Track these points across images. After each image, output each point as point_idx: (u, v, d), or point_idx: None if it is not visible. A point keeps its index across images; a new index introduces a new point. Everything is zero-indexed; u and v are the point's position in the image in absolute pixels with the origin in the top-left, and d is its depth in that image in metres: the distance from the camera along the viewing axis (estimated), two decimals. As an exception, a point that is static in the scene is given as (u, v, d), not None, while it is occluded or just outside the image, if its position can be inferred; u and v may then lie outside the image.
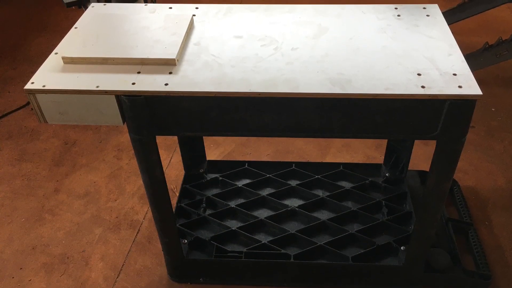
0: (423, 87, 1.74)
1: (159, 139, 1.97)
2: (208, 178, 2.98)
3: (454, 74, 1.79)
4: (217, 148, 3.53)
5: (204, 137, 3.07)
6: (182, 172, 3.05)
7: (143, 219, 3.02)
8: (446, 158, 1.94)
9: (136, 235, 2.93)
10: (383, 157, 2.96)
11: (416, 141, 2.84)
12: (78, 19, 2.19)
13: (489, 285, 2.56)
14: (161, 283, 2.67)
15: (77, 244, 2.90)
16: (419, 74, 1.79)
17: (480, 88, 1.73)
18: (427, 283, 2.54)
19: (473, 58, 3.72)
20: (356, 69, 1.83)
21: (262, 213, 2.78)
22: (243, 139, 3.58)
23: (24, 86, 1.82)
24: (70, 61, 1.90)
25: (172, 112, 1.87)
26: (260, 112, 1.85)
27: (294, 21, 2.14)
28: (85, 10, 2.28)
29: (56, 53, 1.97)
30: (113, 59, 1.89)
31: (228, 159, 3.43)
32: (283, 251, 2.56)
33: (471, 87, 1.74)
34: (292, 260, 2.53)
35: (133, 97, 1.79)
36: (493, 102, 3.79)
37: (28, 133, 3.73)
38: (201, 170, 3.01)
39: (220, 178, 2.96)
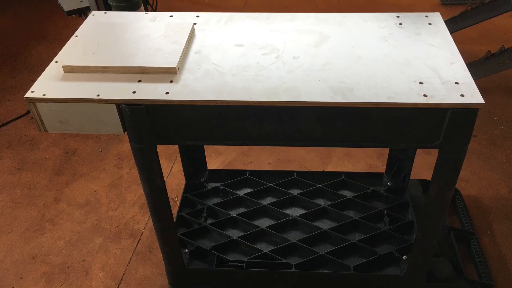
0: (425, 95, 1.73)
1: (160, 148, 1.97)
2: (209, 187, 2.96)
3: (456, 83, 1.78)
4: (218, 157, 3.52)
5: (205, 146, 3.06)
6: (183, 181, 3.04)
7: (144, 228, 3.01)
8: (448, 167, 1.93)
9: (137, 244, 2.92)
10: (385, 166, 2.95)
11: (418, 150, 2.83)
12: (78, 27, 2.18)
13: (491, 295, 2.56)
14: (161, 293, 2.67)
15: (77, 253, 2.89)
16: (421, 83, 1.78)
17: (483, 96, 1.72)
18: (429, 293, 2.53)
19: (475, 66, 3.72)
20: (358, 78, 1.82)
21: (263, 222, 2.76)
22: (244, 148, 3.57)
23: (24, 95, 1.81)
24: (70, 70, 1.89)
25: (173, 121, 1.86)
26: (262, 121, 1.84)
27: (295, 29, 2.14)
28: (86, 18, 2.28)
29: (56, 62, 1.96)
30: (114, 67, 1.88)
31: (229, 168, 3.42)
32: (284, 260, 2.55)
33: (473, 95, 1.73)
34: (293, 269, 2.52)
35: (134, 106, 1.79)
36: (496, 111, 3.78)
37: (28, 142, 3.73)
38: (202, 179, 3.00)
39: (221, 187, 2.95)
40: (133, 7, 3.50)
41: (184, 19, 2.25)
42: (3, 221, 3.11)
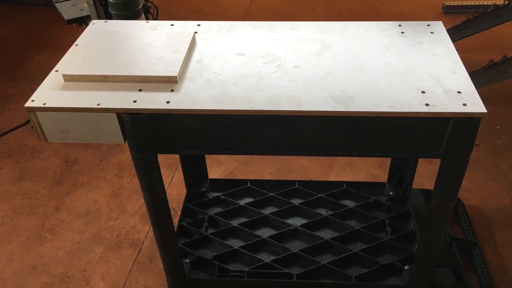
0: (427, 105, 1.72)
1: (161, 157, 1.96)
2: (210, 197, 2.95)
3: (459, 92, 1.77)
4: (219, 167, 3.51)
5: (206, 155, 3.05)
6: (184, 191, 3.02)
7: (145, 238, 3.00)
8: (451, 176, 1.92)
9: (138, 254, 2.91)
10: (387, 176, 2.94)
11: (420, 160, 2.82)
12: (79, 36, 2.18)
13: (494, 305, 2.54)
14: (162, 303, 2.66)
15: (78, 263, 2.88)
16: (423, 92, 1.78)
17: (485, 105, 1.71)
18: (432, 303, 2.52)
19: (477, 75, 3.71)
20: (360, 87, 1.81)
21: (265, 232, 2.75)
22: (246, 157, 3.56)
23: (24, 104, 1.81)
24: (70, 79, 1.89)
25: (174, 130, 1.85)
26: (263, 130, 1.83)
27: (297, 38, 2.13)
28: (86, 27, 2.27)
29: (56, 71, 1.96)
30: (114, 76, 1.87)
31: (230, 177, 3.41)
32: (286, 270, 2.54)
33: (475, 104, 1.72)
34: (295, 279, 2.50)
35: (135, 115, 1.78)
36: (498, 120, 3.77)
37: (28, 151, 3.72)
38: (203, 189, 2.99)
39: (222, 196, 2.94)
40: (134, 16, 3.50)
41: (185, 27, 2.24)
42: (3, 231, 3.09)
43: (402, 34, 2.12)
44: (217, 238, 2.70)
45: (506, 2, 3.93)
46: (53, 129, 1.86)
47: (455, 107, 1.71)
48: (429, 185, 2.52)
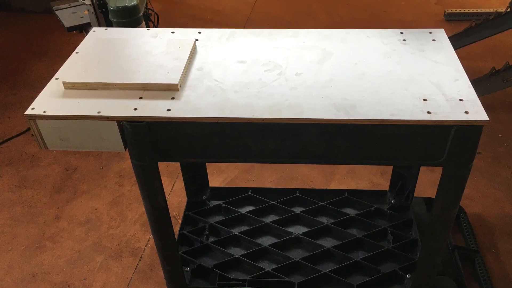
0: (429, 112, 1.71)
1: (161, 166, 1.95)
2: (211, 205, 2.94)
3: (461, 100, 1.76)
4: (220, 175, 3.50)
5: (207, 163, 3.04)
6: (185, 199, 3.01)
7: (145, 246, 2.99)
8: (453, 184, 1.91)
9: (138, 263, 2.90)
10: (389, 184, 2.93)
11: (421, 168, 2.81)
12: (79, 43, 2.17)
13: (497, 313, 2.53)
14: (163, 312, 2.64)
15: (78, 272, 2.87)
16: (425, 100, 1.77)
17: (487, 113, 1.71)
18: (434, 312, 2.50)
19: (479, 83, 3.70)
20: (361, 95, 1.81)
21: (266, 241, 2.74)
22: (247, 165, 3.56)
23: (24, 112, 1.80)
24: (71, 86, 1.88)
25: (174, 138, 1.84)
26: (264, 138, 1.82)
27: (298, 46, 2.12)
28: (86, 34, 2.27)
29: (57, 78, 1.95)
30: (115, 84, 1.87)
31: (231, 185, 3.40)
32: (287, 279, 2.53)
33: (477, 112, 1.71)
34: (296, 288, 2.50)
35: (135, 123, 1.77)
36: (500, 128, 3.76)
37: (29, 159, 3.71)
38: (204, 197, 2.98)
39: (223, 205, 2.93)
40: (134, 23, 3.49)
41: (186, 35, 2.24)
42: (3, 239, 3.09)
43: (404, 42, 2.12)
44: (218, 247, 2.69)
45: (508, 9, 3.93)
46: (53, 137, 1.85)
47: (457, 115, 1.70)
48: (431, 193, 2.52)
